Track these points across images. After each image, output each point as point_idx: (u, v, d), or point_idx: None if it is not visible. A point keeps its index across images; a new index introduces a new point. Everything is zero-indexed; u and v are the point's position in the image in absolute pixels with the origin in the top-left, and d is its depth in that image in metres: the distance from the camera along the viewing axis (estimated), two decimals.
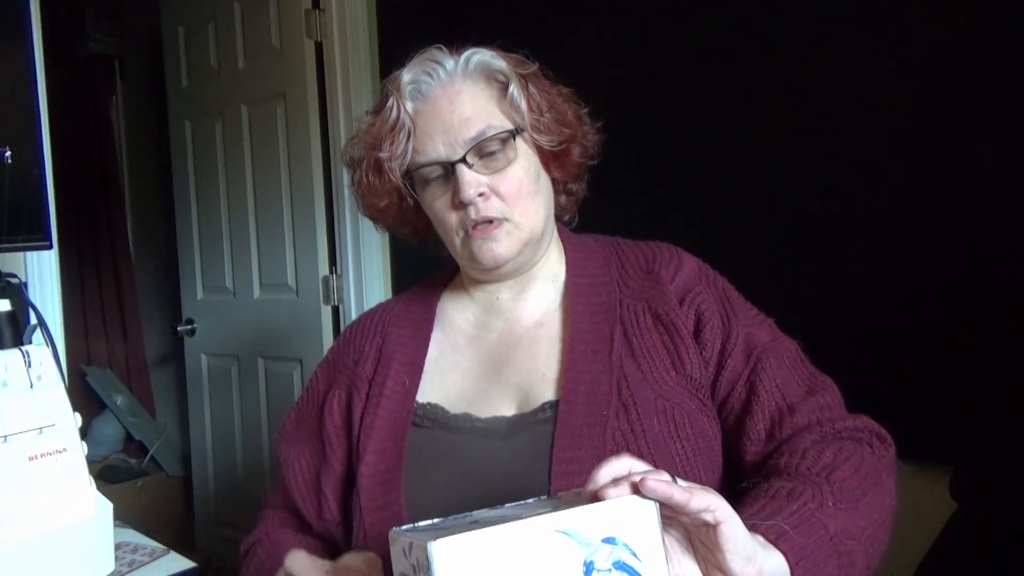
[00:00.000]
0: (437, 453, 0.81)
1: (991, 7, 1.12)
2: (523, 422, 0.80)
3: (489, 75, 0.85)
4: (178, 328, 2.64)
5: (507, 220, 0.83)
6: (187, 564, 1.26)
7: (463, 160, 0.81)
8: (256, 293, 2.41)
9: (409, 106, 0.84)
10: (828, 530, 0.64)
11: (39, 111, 1.24)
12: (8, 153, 1.12)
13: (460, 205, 0.83)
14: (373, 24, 2.12)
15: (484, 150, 0.82)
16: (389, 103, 0.85)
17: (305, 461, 0.91)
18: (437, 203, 0.85)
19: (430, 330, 0.93)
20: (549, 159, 0.88)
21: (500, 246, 0.83)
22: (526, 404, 0.82)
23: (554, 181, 0.91)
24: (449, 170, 0.83)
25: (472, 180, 0.81)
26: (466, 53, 0.85)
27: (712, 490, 0.55)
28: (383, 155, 0.85)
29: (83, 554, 0.69)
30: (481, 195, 0.82)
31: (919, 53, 1.19)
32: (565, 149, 0.88)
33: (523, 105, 0.84)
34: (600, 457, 0.60)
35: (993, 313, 1.13)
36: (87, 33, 3.28)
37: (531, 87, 0.85)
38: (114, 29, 3.34)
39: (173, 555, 1.30)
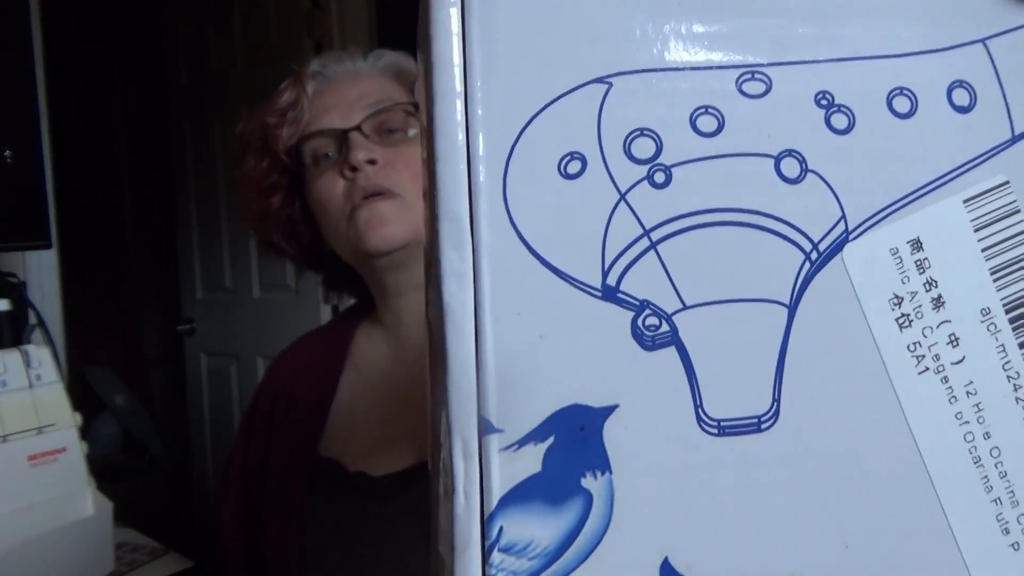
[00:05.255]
0: (334, 526, 0.70)
1: None
2: (417, 473, 0.67)
3: (397, 72, 0.77)
4: (178, 328, 2.64)
5: (400, 196, 0.69)
6: (187, 564, 1.26)
7: (358, 128, 0.70)
8: (256, 292, 2.41)
9: (309, 87, 0.76)
10: None
11: (39, 111, 1.24)
12: (8, 153, 1.12)
13: (349, 174, 0.69)
14: (373, 24, 2.12)
15: (384, 126, 0.71)
16: (285, 84, 0.79)
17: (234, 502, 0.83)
18: (322, 179, 0.72)
19: (340, 371, 0.78)
20: None
21: (389, 225, 0.68)
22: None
23: None
24: (342, 143, 0.71)
25: (364, 144, 0.69)
26: (376, 51, 0.79)
27: None
28: (270, 121, 0.77)
29: (83, 554, 0.69)
30: (372, 162, 0.68)
31: None
32: None
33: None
34: None
35: None
36: (87, 33, 3.27)
37: None
38: (114, 29, 3.34)
39: (173, 555, 1.30)
